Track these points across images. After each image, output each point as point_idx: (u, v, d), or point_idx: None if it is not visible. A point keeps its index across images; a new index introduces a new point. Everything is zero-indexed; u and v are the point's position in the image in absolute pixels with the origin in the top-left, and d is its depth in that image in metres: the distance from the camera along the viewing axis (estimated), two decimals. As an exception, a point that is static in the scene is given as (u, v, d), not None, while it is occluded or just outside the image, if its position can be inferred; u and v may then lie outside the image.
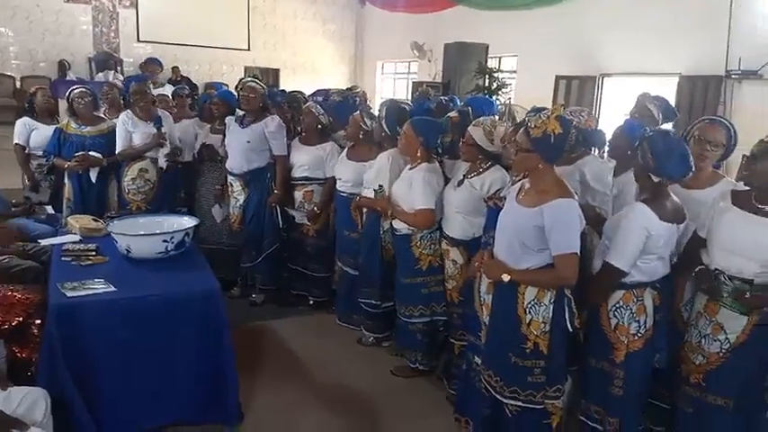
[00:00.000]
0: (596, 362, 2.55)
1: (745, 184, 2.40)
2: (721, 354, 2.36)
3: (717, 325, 2.37)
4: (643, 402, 2.56)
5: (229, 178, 4.33)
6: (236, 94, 4.53)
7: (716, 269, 2.35)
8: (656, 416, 2.74)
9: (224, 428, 2.87)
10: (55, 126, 4.44)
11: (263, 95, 4.27)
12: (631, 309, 2.43)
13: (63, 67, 11.71)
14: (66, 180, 4.28)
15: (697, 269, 2.45)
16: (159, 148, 4.25)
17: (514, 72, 10.57)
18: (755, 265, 2.26)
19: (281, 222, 4.29)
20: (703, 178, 2.65)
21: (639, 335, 2.44)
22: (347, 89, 5.92)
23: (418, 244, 3.27)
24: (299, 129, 4.47)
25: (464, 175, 3.12)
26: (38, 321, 2.76)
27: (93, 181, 4.22)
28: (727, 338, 2.35)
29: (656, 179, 2.36)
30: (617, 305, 2.46)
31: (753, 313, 2.29)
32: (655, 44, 7.88)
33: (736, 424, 2.37)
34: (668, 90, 7.73)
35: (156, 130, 4.22)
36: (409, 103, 4.48)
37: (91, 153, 4.16)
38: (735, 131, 2.66)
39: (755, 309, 2.28)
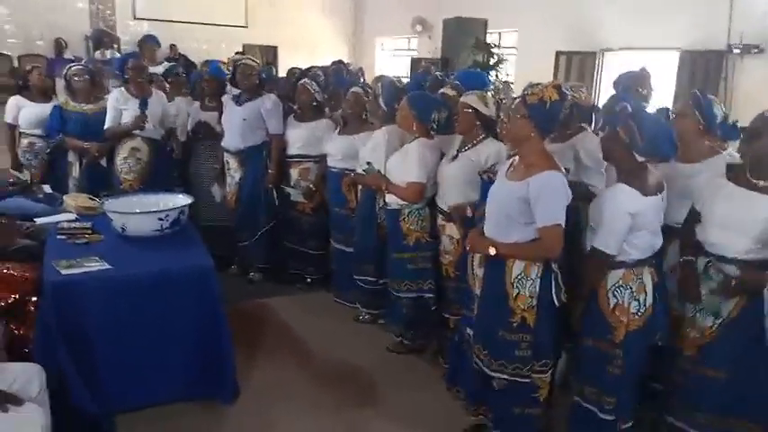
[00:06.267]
0: (593, 342, 2.49)
1: (742, 158, 2.37)
2: (714, 328, 2.36)
3: None
4: (640, 381, 2.53)
5: (225, 156, 4.33)
6: (227, 71, 4.47)
7: (708, 261, 2.35)
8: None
9: (221, 404, 2.90)
10: (49, 104, 4.42)
11: (258, 73, 4.25)
12: (631, 288, 2.38)
13: (60, 45, 11.59)
14: (72, 159, 4.27)
15: (682, 260, 2.46)
16: (141, 129, 4.13)
17: (514, 48, 10.45)
18: (748, 240, 2.25)
19: (276, 200, 4.28)
20: (695, 152, 2.62)
21: (640, 314, 2.39)
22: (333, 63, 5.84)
23: (406, 219, 3.27)
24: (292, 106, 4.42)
25: (458, 150, 3.11)
26: (34, 299, 2.79)
27: (105, 165, 4.26)
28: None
29: (640, 159, 2.34)
30: (616, 285, 2.40)
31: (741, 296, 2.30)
32: (656, 18, 7.76)
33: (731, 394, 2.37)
34: (669, 65, 7.66)
35: (140, 112, 4.09)
36: (401, 80, 4.41)
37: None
38: (708, 102, 2.59)
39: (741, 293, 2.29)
